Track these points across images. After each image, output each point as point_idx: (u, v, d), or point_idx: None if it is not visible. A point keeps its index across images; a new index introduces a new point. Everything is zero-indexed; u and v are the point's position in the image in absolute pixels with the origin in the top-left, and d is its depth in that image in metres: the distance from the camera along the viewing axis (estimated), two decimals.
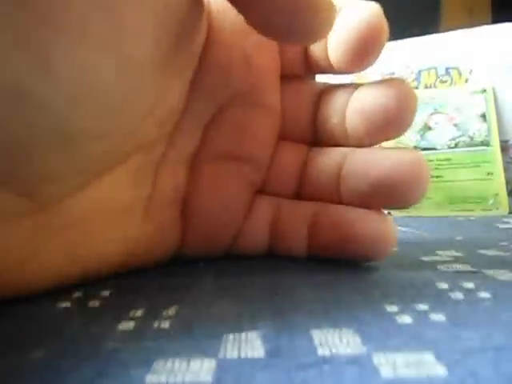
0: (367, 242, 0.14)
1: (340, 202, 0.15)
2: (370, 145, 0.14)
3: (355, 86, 0.14)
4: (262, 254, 0.16)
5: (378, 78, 0.14)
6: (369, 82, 0.14)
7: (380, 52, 0.13)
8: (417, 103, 0.13)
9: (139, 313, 0.10)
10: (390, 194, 0.13)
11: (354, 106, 0.14)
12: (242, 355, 0.08)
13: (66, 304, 0.11)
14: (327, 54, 0.14)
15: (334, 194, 0.14)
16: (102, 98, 0.09)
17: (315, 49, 0.15)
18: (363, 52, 0.13)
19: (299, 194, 0.16)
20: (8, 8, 0.07)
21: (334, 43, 0.13)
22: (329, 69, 0.15)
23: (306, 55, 0.15)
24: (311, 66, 0.15)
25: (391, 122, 0.13)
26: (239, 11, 0.11)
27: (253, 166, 0.15)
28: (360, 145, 0.14)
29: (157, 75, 0.11)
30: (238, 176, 0.15)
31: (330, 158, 0.15)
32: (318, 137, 0.15)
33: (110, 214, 0.13)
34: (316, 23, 0.10)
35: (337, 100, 0.15)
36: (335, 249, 0.14)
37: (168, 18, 0.10)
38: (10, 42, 0.07)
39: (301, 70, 0.15)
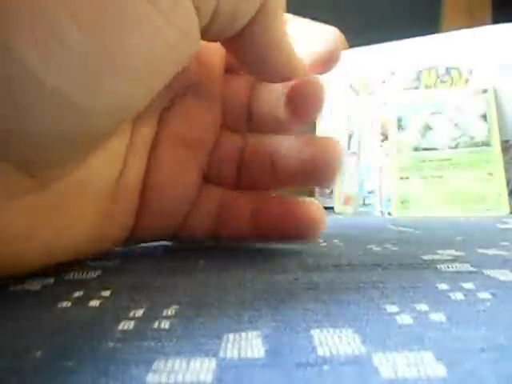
0: (302, 225, 0.17)
1: (277, 182, 0.17)
2: (296, 127, 0.17)
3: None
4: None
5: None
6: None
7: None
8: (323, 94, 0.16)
9: (139, 313, 0.10)
10: (315, 170, 0.16)
11: (284, 97, 0.17)
12: (242, 355, 0.08)
13: (66, 304, 0.11)
14: None
15: (271, 176, 0.17)
16: (130, 113, 0.12)
17: None
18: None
19: (240, 179, 0.18)
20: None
21: None
22: None
23: None
24: None
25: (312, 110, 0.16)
26: (238, 61, 0.14)
27: (201, 150, 0.17)
28: (289, 130, 0.17)
29: None
30: (189, 159, 0.17)
31: (264, 144, 0.17)
32: (253, 126, 0.18)
33: (87, 197, 0.14)
34: (291, 73, 0.15)
35: (270, 91, 0.17)
36: (276, 232, 0.17)
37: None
38: (92, 74, 0.10)
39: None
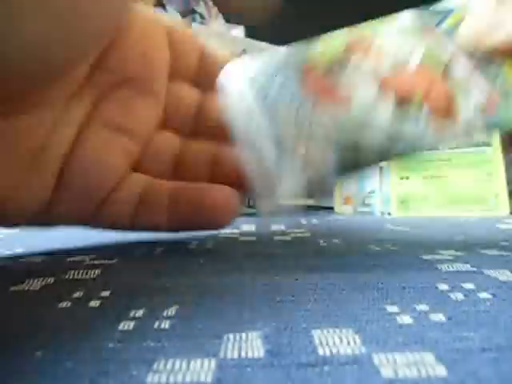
0: (213, 210, 0.17)
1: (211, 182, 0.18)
2: None
3: None
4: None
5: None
6: None
7: None
8: None
9: (139, 313, 0.10)
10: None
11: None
12: (242, 355, 0.08)
13: (66, 304, 0.11)
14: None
15: (205, 177, 0.19)
16: (58, 51, 0.13)
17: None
18: None
19: (176, 177, 0.19)
20: None
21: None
22: None
23: (200, 65, 0.19)
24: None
25: None
26: None
27: (133, 139, 0.18)
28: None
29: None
30: (118, 145, 0.18)
31: (203, 149, 0.19)
32: (196, 130, 0.19)
33: (15, 144, 0.15)
34: None
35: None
36: (190, 217, 0.18)
37: None
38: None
39: (191, 75, 0.19)
